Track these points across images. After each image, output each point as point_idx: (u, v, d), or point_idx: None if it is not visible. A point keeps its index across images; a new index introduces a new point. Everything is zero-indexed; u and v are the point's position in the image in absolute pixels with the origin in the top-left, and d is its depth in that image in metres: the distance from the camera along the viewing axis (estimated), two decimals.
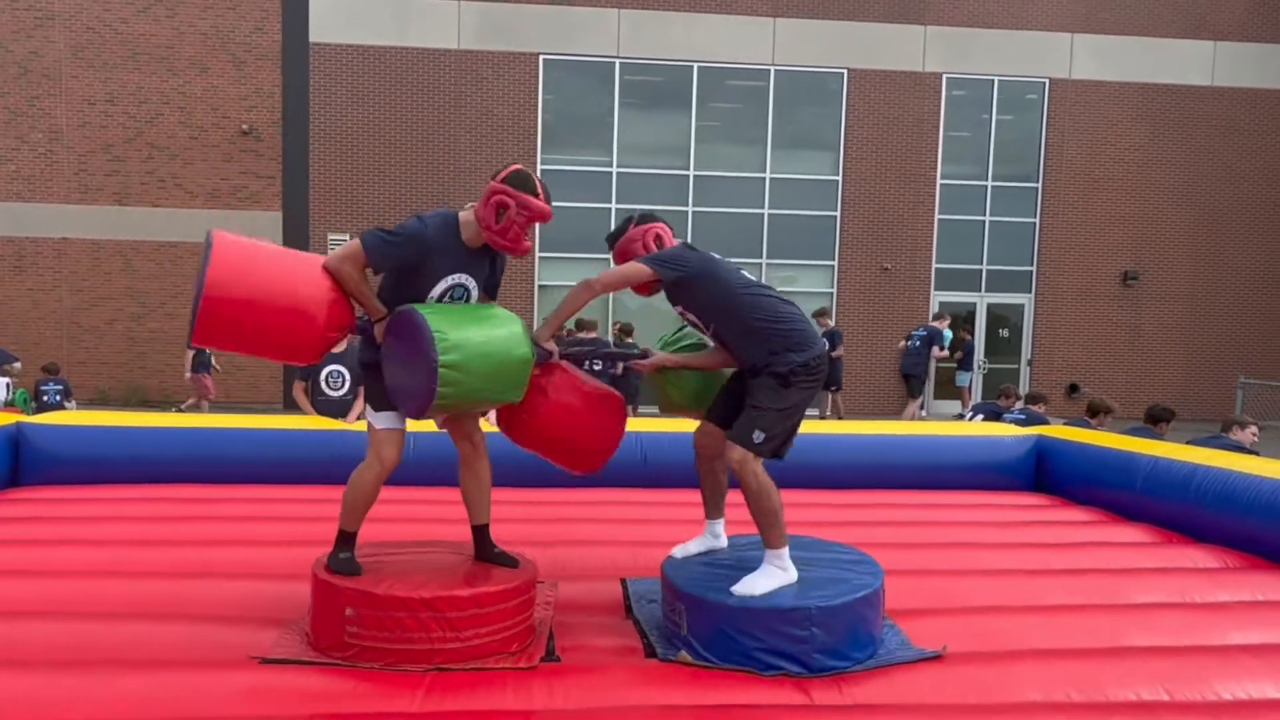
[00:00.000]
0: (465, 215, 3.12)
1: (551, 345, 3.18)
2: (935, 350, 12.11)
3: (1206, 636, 3.22)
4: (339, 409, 6.33)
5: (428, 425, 5.48)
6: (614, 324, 11.51)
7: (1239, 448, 6.03)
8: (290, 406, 13.70)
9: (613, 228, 3.51)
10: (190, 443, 5.62)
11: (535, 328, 3.36)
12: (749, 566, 3.13)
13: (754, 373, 3.17)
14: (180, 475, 5.44)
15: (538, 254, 15.27)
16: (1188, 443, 5.92)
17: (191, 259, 15.13)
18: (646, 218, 3.43)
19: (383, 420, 3.10)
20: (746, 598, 2.91)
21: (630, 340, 10.95)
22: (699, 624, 2.92)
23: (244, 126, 15.24)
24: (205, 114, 15.25)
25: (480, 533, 3.27)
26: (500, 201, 3.01)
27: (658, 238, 3.36)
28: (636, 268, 3.17)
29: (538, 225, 3.16)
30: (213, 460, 5.55)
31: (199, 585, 3.45)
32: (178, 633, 2.97)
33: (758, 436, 3.07)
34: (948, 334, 12.93)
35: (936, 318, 12.81)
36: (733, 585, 2.97)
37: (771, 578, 3.01)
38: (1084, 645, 3.09)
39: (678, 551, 3.39)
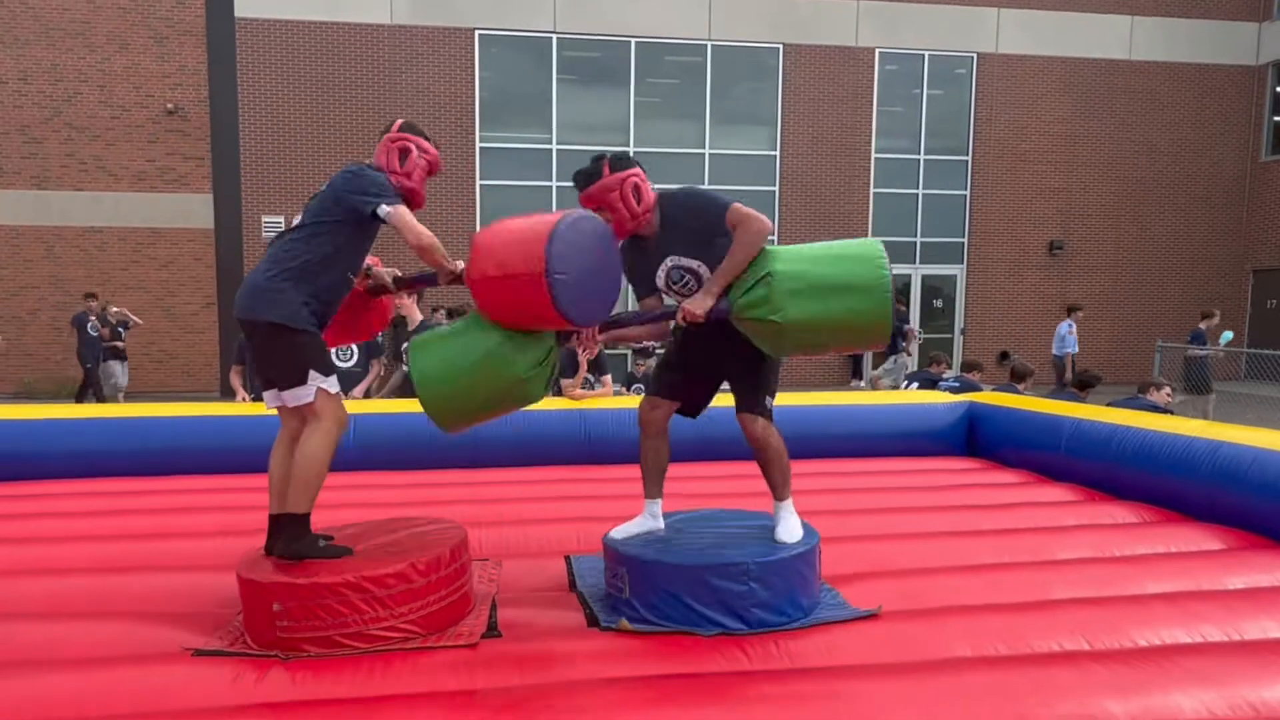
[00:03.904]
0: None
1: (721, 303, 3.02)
2: (1196, 350, 11.49)
3: (1124, 587, 3.37)
4: None
5: (366, 406, 5.45)
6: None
7: (1154, 408, 6.32)
8: (228, 394, 13.36)
9: (586, 171, 3.10)
10: (119, 434, 5.47)
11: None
12: (688, 538, 3.20)
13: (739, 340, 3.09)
14: (109, 468, 5.30)
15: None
16: (1107, 404, 6.18)
17: (119, 244, 14.66)
18: (621, 160, 3.08)
19: (329, 384, 2.98)
20: (785, 543, 3.07)
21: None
22: (640, 585, 2.97)
23: (169, 106, 14.71)
24: (127, 93, 14.67)
25: (276, 523, 2.97)
26: (403, 146, 3.12)
27: (636, 188, 3.04)
28: (763, 227, 3.04)
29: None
30: (144, 451, 5.42)
31: (130, 580, 3.37)
32: (108, 629, 2.89)
33: (768, 401, 3.15)
34: (1227, 335, 11.56)
35: (1205, 316, 11.56)
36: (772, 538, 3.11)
37: (794, 520, 3.18)
38: (1011, 600, 3.22)
39: (617, 534, 3.36)
